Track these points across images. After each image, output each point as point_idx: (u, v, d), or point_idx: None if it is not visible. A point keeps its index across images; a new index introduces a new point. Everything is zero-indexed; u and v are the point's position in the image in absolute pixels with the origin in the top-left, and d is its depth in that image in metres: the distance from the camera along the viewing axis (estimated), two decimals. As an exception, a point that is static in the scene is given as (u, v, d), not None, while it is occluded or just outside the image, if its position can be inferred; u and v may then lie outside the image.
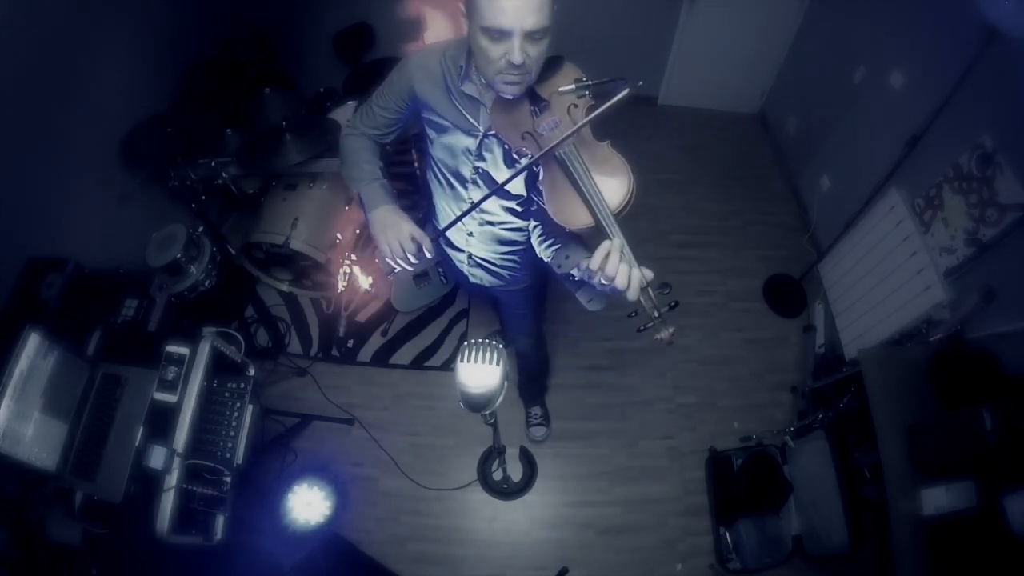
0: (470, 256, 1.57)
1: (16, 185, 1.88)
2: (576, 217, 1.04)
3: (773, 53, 3.36)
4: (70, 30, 2.03)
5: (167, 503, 1.59)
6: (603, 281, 0.98)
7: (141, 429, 1.68)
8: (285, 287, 2.83)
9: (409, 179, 2.93)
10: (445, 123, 1.28)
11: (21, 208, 1.91)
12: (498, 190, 1.23)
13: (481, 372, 1.10)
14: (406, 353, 2.75)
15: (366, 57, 3.24)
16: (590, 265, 0.98)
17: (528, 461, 2.45)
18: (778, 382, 2.70)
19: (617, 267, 0.96)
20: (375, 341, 2.77)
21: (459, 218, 1.29)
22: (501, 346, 1.12)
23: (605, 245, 0.97)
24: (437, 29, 3.25)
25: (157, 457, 1.63)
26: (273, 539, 2.00)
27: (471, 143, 1.27)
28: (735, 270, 3.05)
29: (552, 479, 2.44)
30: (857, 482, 2.03)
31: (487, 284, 1.66)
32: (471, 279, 1.67)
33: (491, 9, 0.98)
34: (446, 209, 1.49)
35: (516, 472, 2.41)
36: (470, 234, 1.49)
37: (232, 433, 1.81)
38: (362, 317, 2.83)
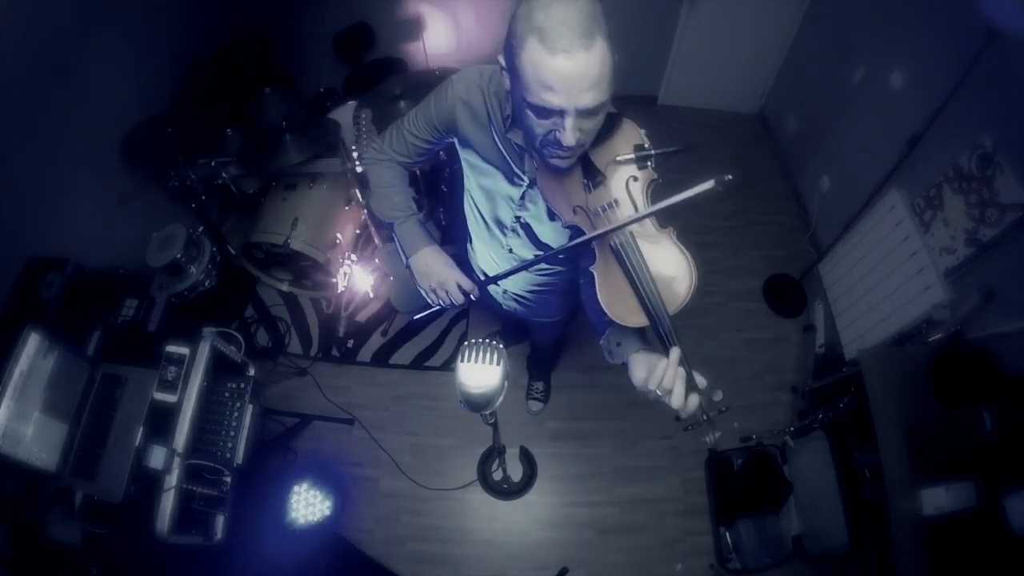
0: (505, 291, 1.54)
1: (16, 185, 1.88)
2: (629, 316, 0.96)
3: (773, 53, 3.35)
4: (70, 30, 2.03)
5: (167, 503, 1.59)
6: (657, 396, 0.92)
7: (141, 429, 1.68)
8: (285, 287, 2.83)
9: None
10: (486, 165, 1.16)
11: (21, 208, 1.91)
12: (547, 257, 1.16)
13: (481, 372, 1.10)
14: (406, 353, 2.75)
15: (366, 57, 3.24)
16: (647, 385, 0.92)
17: (528, 461, 2.45)
18: (778, 382, 2.70)
19: (672, 385, 0.89)
20: (375, 341, 2.77)
21: (508, 273, 1.22)
22: (501, 346, 1.12)
23: (661, 366, 0.90)
24: (437, 29, 3.25)
25: (157, 457, 1.63)
26: (273, 539, 2.00)
27: (514, 192, 1.16)
28: (735, 270, 3.05)
29: (552, 479, 2.44)
30: (857, 482, 2.03)
31: (520, 314, 1.64)
32: (504, 307, 1.64)
33: (538, 85, 0.82)
34: (483, 248, 1.41)
35: (516, 472, 2.41)
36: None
37: (232, 433, 1.81)
38: (362, 317, 2.83)
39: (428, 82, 2.41)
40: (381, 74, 3.03)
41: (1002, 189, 1.78)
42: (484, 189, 1.22)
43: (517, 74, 0.85)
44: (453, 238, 2.12)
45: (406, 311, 2.80)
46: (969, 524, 1.62)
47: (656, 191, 0.97)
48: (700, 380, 0.92)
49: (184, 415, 1.71)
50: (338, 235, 2.58)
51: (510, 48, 0.85)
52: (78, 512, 1.62)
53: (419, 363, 2.72)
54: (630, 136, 0.97)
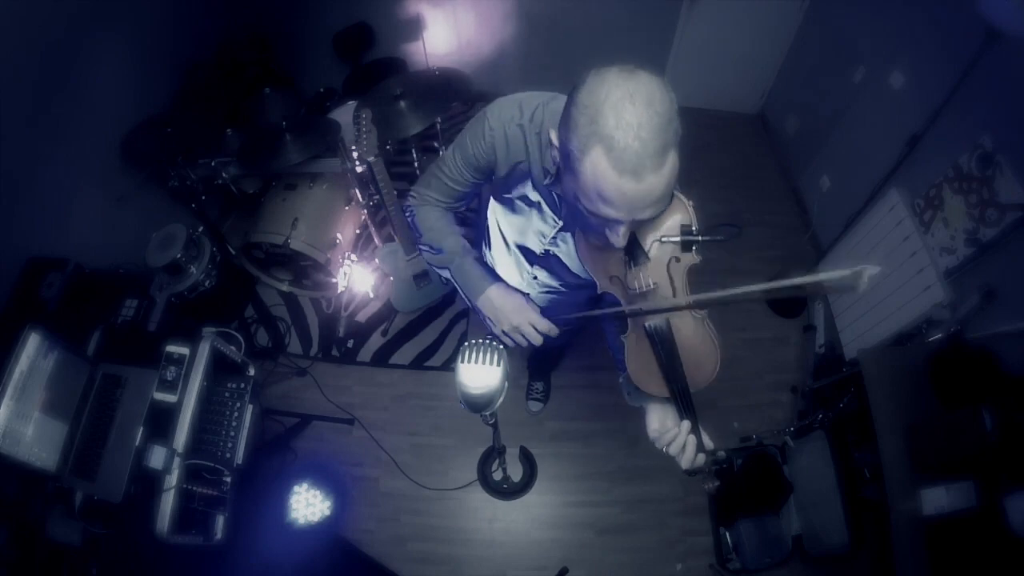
0: (527, 296, 1.53)
1: (16, 185, 1.88)
2: (653, 387, 1.00)
3: (773, 53, 3.35)
4: (70, 30, 2.03)
5: (167, 503, 1.59)
6: (666, 451, 0.98)
7: (141, 429, 1.68)
8: (285, 287, 2.83)
9: (410, 179, 2.93)
10: (521, 204, 1.11)
11: (21, 208, 1.91)
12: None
13: (481, 373, 1.10)
14: (406, 353, 2.75)
15: (366, 57, 3.24)
16: (660, 441, 0.98)
17: (528, 461, 2.45)
18: (778, 382, 2.70)
19: (681, 450, 0.95)
20: (375, 341, 2.77)
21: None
22: (501, 346, 1.12)
23: (672, 431, 0.96)
24: (437, 29, 3.25)
25: (157, 457, 1.63)
26: (273, 539, 2.00)
27: (547, 229, 1.13)
28: (735, 270, 3.05)
29: (552, 479, 2.44)
30: (857, 482, 2.03)
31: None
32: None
33: (597, 196, 0.76)
34: (502, 264, 1.36)
35: (516, 472, 2.41)
36: (535, 277, 1.36)
37: (232, 433, 1.81)
38: (362, 317, 2.83)
39: (428, 82, 2.43)
40: (381, 74, 3.04)
41: (1002, 189, 1.78)
42: (513, 223, 1.18)
43: (574, 173, 0.77)
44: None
45: (406, 311, 2.81)
46: (969, 524, 1.62)
47: (696, 275, 0.95)
48: (708, 442, 0.98)
49: (184, 415, 1.71)
50: (338, 235, 2.58)
51: (568, 140, 0.76)
52: (78, 512, 1.62)
53: (419, 363, 2.72)
54: (680, 215, 0.91)
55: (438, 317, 2.84)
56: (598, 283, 1.02)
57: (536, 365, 2.57)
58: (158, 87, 2.54)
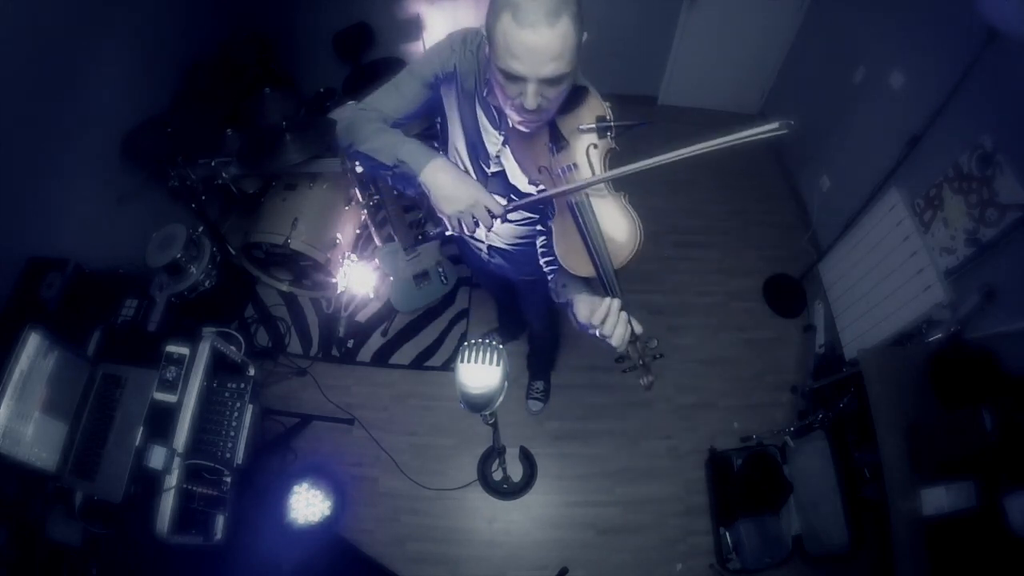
0: (490, 247, 1.55)
1: (16, 185, 1.88)
2: (579, 267, 1.06)
3: (773, 53, 3.35)
4: (70, 30, 2.02)
5: (167, 503, 1.59)
6: (597, 334, 1.00)
7: (141, 429, 1.68)
8: (285, 287, 2.83)
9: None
10: (467, 119, 1.23)
11: (21, 208, 1.91)
12: (511, 209, 1.16)
13: (481, 372, 1.10)
14: (406, 353, 2.75)
15: (366, 57, 3.24)
16: (591, 320, 1.00)
17: (528, 461, 2.45)
18: (778, 382, 2.70)
19: (614, 327, 0.98)
20: (375, 341, 2.77)
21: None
22: (501, 346, 1.12)
23: (604, 304, 0.99)
24: (437, 29, 3.25)
25: (157, 457, 1.63)
26: (273, 539, 2.00)
27: (491, 148, 1.24)
28: (735, 270, 3.05)
29: (552, 479, 2.44)
30: (857, 482, 2.03)
31: (507, 270, 1.64)
32: (491, 266, 1.64)
33: (505, 52, 0.92)
34: None
35: (516, 472, 2.41)
36: (489, 227, 1.45)
37: (232, 433, 1.81)
38: (362, 317, 2.83)
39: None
40: (381, 74, 3.03)
41: (1002, 189, 1.78)
42: (463, 143, 1.28)
43: (492, 42, 0.94)
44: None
45: (406, 311, 2.81)
46: (969, 524, 1.62)
47: (615, 159, 1.07)
48: (638, 326, 1.01)
49: (184, 415, 1.71)
50: (338, 235, 2.59)
51: (489, 18, 0.94)
52: (78, 512, 1.62)
53: (419, 363, 2.72)
54: (594, 108, 1.06)
55: (438, 317, 2.84)
56: (529, 176, 1.15)
57: (535, 362, 2.56)
58: (158, 87, 2.54)
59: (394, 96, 1.24)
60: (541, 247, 1.26)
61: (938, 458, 1.68)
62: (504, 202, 1.20)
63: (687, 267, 3.03)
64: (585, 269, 1.06)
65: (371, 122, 1.21)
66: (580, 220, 1.04)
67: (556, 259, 1.12)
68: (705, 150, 0.97)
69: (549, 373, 2.62)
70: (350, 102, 1.32)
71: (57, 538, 1.64)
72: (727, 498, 2.33)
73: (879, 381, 1.84)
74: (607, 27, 3.16)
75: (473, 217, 1.13)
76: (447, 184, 1.11)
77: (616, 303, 0.99)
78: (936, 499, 1.66)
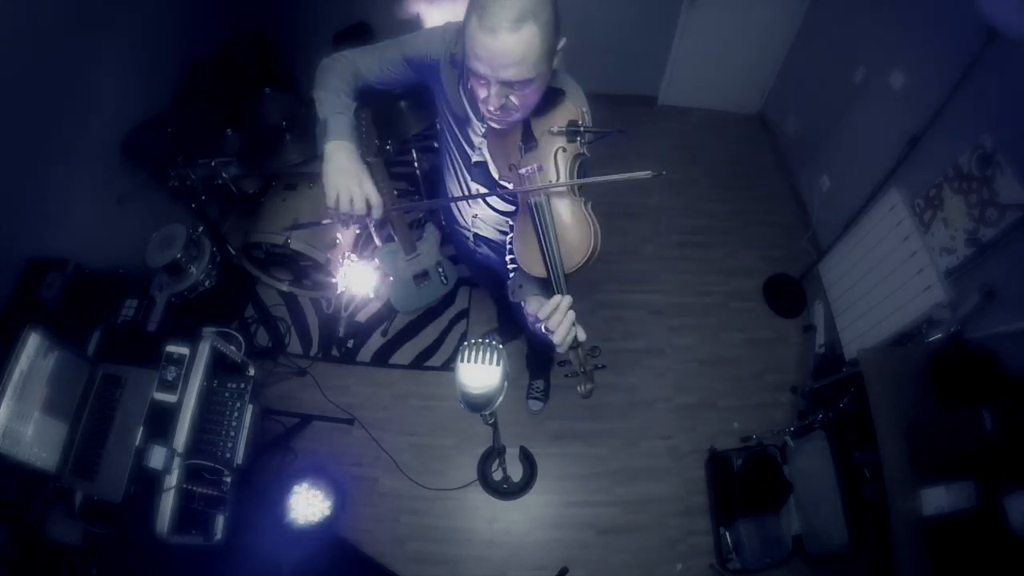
0: (475, 235, 1.58)
1: (16, 185, 1.88)
2: (532, 265, 1.10)
3: (773, 53, 3.35)
4: (70, 30, 2.02)
5: (167, 503, 1.59)
6: (543, 329, 1.03)
7: (141, 429, 1.68)
8: (285, 287, 2.83)
9: (409, 179, 2.93)
10: (454, 110, 1.28)
11: (21, 208, 1.91)
12: (485, 195, 1.27)
13: (481, 372, 1.10)
14: (406, 353, 2.75)
15: (366, 57, 3.24)
16: (538, 314, 1.02)
17: (528, 461, 2.45)
18: (778, 382, 2.70)
19: (559, 325, 1.00)
20: (375, 341, 2.77)
21: (457, 199, 1.39)
22: (501, 346, 1.12)
23: (555, 300, 1.01)
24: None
25: (157, 457, 1.63)
26: (273, 539, 2.00)
27: (475, 139, 1.27)
28: (735, 270, 3.05)
29: (552, 479, 2.44)
30: (857, 482, 2.03)
31: (493, 261, 1.65)
32: (477, 255, 1.66)
33: (471, 52, 0.95)
34: (451, 188, 1.50)
35: (516, 472, 2.41)
36: (475, 216, 1.49)
37: (232, 433, 1.81)
38: (362, 317, 2.83)
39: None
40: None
41: (1002, 189, 1.78)
42: (451, 133, 1.32)
43: (464, 40, 0.97)
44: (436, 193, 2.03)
45: (406, 311, 2.81)
46: (969, 524, 1.62)
47: (584, 166, 1.11)
48: (582, 334, 1.04)
49: (184, 415, 1.71)
50: (338, 235, 2.58)
51: (464, 16, 0.97)
52: (78, 512, 1.62)
53: (419, 363, 2.72)
54: (569, 112, 1.08)
55: (438, 317, 2.84)
56: (499, 172, 1.18)
57: (534, 361, 2.56)
58: (158, 87, 2.54)
59: (374, 58, 1.29)
60: (508, 243, 1.29)
61: (938, 458, 1.68)
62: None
63: (686, 267, 3.02)
64: (538, 269, 1.08)
65: (339, 75, 1.26)
66: (536, 219, 1.06)
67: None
68: (594, 182, 1.06)
69: (549, 373, 2.61)
70: (344, 52, 1.33)
71: (57, 538, 1.64)
72: (727, 498, 2.33)
73: (879, 381, 1.84)
74: (607, 27, 3.16)
75: (351, 203, 1.13)
76: (341, 160, 1.15)
77: (566, 300, 1.01)
78: (936, 499, 1.66)
